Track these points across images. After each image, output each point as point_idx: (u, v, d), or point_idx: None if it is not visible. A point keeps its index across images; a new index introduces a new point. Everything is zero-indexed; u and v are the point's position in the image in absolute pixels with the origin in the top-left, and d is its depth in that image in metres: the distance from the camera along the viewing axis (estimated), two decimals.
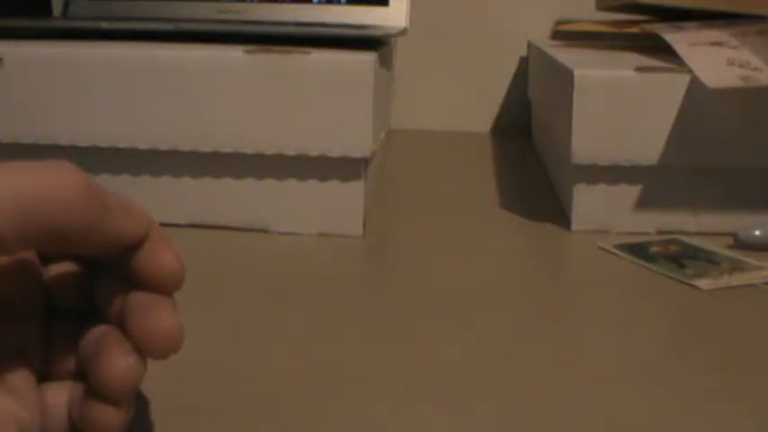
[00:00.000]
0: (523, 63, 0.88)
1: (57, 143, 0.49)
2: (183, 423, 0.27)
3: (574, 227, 0.51)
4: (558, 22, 0.86)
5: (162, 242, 0.25)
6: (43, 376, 0.26)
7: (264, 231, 0.50)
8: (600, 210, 0.51)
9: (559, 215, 0.54)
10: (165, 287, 0.25)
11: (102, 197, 0.22)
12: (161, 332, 0.24)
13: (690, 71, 0.47)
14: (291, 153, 0.48)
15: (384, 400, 0.29)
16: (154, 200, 0.50)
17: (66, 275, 0.26)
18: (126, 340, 0.24)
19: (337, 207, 0.49)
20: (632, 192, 0.50)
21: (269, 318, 0.37)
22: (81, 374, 0.25)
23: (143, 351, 0.24)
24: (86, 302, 0.27)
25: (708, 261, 0.45)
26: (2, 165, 0.21)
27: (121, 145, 0.49)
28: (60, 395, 0.25)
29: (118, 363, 0.23)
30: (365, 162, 0.49)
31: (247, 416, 0.28)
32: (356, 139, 0.47)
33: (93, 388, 0.24)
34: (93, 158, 0.50)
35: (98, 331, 0.25)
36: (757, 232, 0.47)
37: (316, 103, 0.47)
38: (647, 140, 0.48)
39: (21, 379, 0.24)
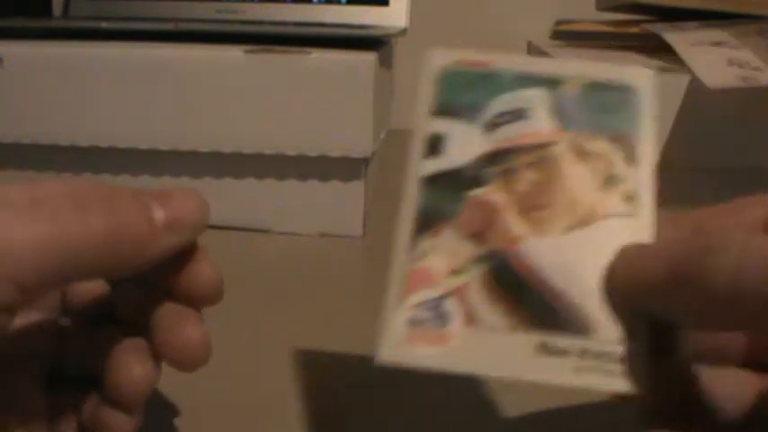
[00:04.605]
0: None
1: (57, 143, 0.49)
2: (181, 423, 0.27)
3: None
4: (558, 22, 0.86)
5: (201, 253, 0.25)
6: (54, 379, 0.25)
7: (264, 231, 0.50)
8: None
9: None
10: (204, 301, 0.25)
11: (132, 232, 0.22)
12: (188, 345, 0.24)
13: (690, 71, 0.47)
14: (291, 153, 0.48)
15: (383, 400, 0.29)
16: None
17: (88, 288, 0.26)
18: (142, 347, 0.24)
19: (337, 207, 0.49)
20: None
21: (268, 317, 0.37)
22: (94, 382, 0.25)
23: (171, 363, 0.24)
24: (105, 310, 0.26)
25: None
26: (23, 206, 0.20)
27: (121, 145, 0.49)
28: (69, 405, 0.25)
29: (133, 370, 0.24)
30: (365, 162, 0.49)
31: (246, 415, 0.28)
32: (356, 139, 0.47)
33: (107, 394, 0.24)
34: (94, 158, 0.50)
35: (115, 338, 0.25)
36: None
37: (316, 103, 0.47)
38: None
39: (27, 385, 0.24)
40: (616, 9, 0.69)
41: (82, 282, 0.25)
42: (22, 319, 0.24)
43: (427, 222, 0.25)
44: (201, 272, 0.25)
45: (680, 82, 0.47)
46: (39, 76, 0.48)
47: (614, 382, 0.22)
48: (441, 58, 0.28)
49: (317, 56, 0.47)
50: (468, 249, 0.24)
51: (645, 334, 0.22)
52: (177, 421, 0.28)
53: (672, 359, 0.24)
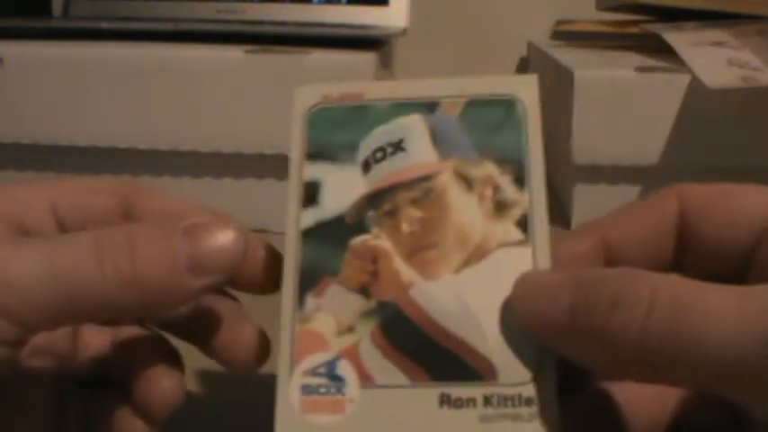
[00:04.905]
0: (523, 63, 0.88)
1: (57, 143, 0.49)
2: (181, 426, 0.27)
3: (574, 227, 0.51)
4: (558, 22, 0.86)
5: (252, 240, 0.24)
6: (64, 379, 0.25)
7: (264, 231, 0.50)
8: (600, 210, 0.51)
9: (559, 215, 0.54)
10: (265, 288, 0.25)
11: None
12: (251, 344, 0.24)
13: (690, 71, 0.47)
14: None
15: None
16: None
17: None
18: (170, 354, 0.24)
19: None
20: (632, 192, 0.50)
21: (268, 317, 0.37)
22: (107, 383, 0.25)
23: (230, 364, 0.24)
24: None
25: None
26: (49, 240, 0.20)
27: (121, 145, 0.49)
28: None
29: (163, 382, 0.23)
30: None
31: (246, 417, 0.28)
32: None
33: (134, 404, 0.23)
34: (94, 158, 0.50)
35: (141, 342, 0.24)
36: None
37: None
38: (647, 140, 0.48)
39: (35, 385, 0.23)
40: (616, 9, 0.69)
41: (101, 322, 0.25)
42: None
43: (312, 279, 0.23)
44: (258, 255, 0.24)
45: (680, 82, 0.47)
46: (39, 76, 0.48)
47: (524, 426, 0.20)
48: (307, 96, 0.25)
49: (317, 56, 0.47)
50: (356, 304, 0.22)
51: (553, 370, 0.21)
52: (176, 424, 0.28)
53: (584, 390, 0.23)
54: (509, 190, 0.23)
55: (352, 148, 0.24)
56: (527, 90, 0.25)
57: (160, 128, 0.48)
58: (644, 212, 0.23)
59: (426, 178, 0.23)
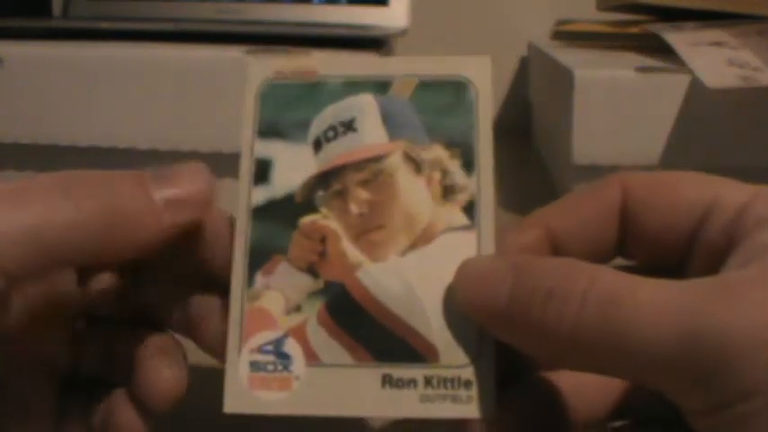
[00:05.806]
0: (523, 64, 0.88)
1: (57, 143, 0.49)
2: (182, 428, 0.27)
3: None
4: (558, 23, 0.86)
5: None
6: (67, 381, 0.25)
7: None
8: None
9: None
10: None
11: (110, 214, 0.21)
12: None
13: (690, 71, 0.47)
14: None
15: None
16: None
17: (108, 287, 0.26)
18: (170, 347, 0.24)
19: None
20: None
21: None
22: (109, 384, 0.25)
23: (219, 356, 0.24)
24: (126, 310, 0.26)
25: None
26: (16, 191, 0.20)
27: (121, 145, 0.49)
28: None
29: (163, 373, 0.23)
30: None
31: (246, 417, 0.28)
32: None
33: (136, 399, 0.23)
34: (94, 158, 0.50)
35: (140, 338, 0.24)
36: None
37: None
38: (647, 140, 0.48)
39: (38, 387, 0.23)
40: (616, 9, 0.69)
41: (83, 267, 0.24)
42: (36, 322, 0.24)
43: (261, 257, 0.23)
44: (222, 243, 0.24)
45: (680, 82, 0.47)
46: (39, 76, 0.48)
47: (462, 408, 0.21)
48: (260, 70, 0.25)
49: (317, 56, 0.47)
50: (304, 283, 0.23)
51: (492, 354, 0.21)
52: (176, 426, 0.28)
53: (527, 378, 0.23)
54: (457, 174, 0.23)
55: (304, 125, 0.24)
56: (479, 72, 0.25)
57: (160, 128, 0.48)
58: (587, 201, 0.23)
59: (376, 159, 0.24)
